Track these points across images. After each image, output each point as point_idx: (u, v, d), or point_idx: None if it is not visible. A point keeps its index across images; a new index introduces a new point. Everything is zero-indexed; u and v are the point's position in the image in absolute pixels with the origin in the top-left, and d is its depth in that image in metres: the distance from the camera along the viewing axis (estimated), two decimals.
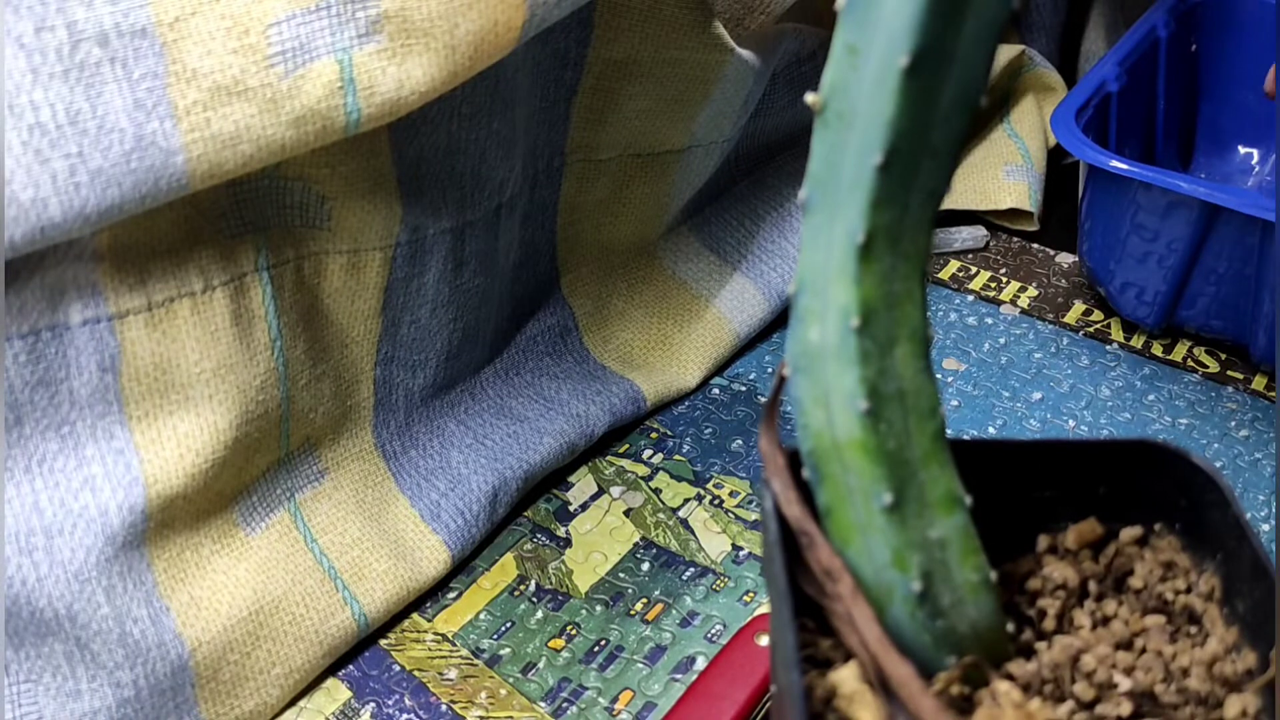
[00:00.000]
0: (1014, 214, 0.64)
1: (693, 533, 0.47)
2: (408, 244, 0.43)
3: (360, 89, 0.34)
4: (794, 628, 0.23)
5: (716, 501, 0.48)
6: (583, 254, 0.54)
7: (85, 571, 0.36)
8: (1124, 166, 0.50)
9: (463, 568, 0.46)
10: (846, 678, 0.23)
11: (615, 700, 0.40)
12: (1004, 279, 0.61)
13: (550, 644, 0.43)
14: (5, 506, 0.35)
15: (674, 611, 0.43)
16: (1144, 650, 0.25)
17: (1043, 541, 0.27)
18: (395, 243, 0.43)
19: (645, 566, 0.45)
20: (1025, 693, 0.24)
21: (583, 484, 0.50)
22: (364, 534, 0.43)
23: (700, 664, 0.41)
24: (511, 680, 0.41)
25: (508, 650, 0.43)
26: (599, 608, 0.44)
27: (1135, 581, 0.26)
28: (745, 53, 0.49)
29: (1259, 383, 0.53)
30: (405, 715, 0.40)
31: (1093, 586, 0.26)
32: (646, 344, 0.54)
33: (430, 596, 0.45)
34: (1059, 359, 0.55)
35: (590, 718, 0.40)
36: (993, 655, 0.25)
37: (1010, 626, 0.25)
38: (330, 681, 0.42)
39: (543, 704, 0.40)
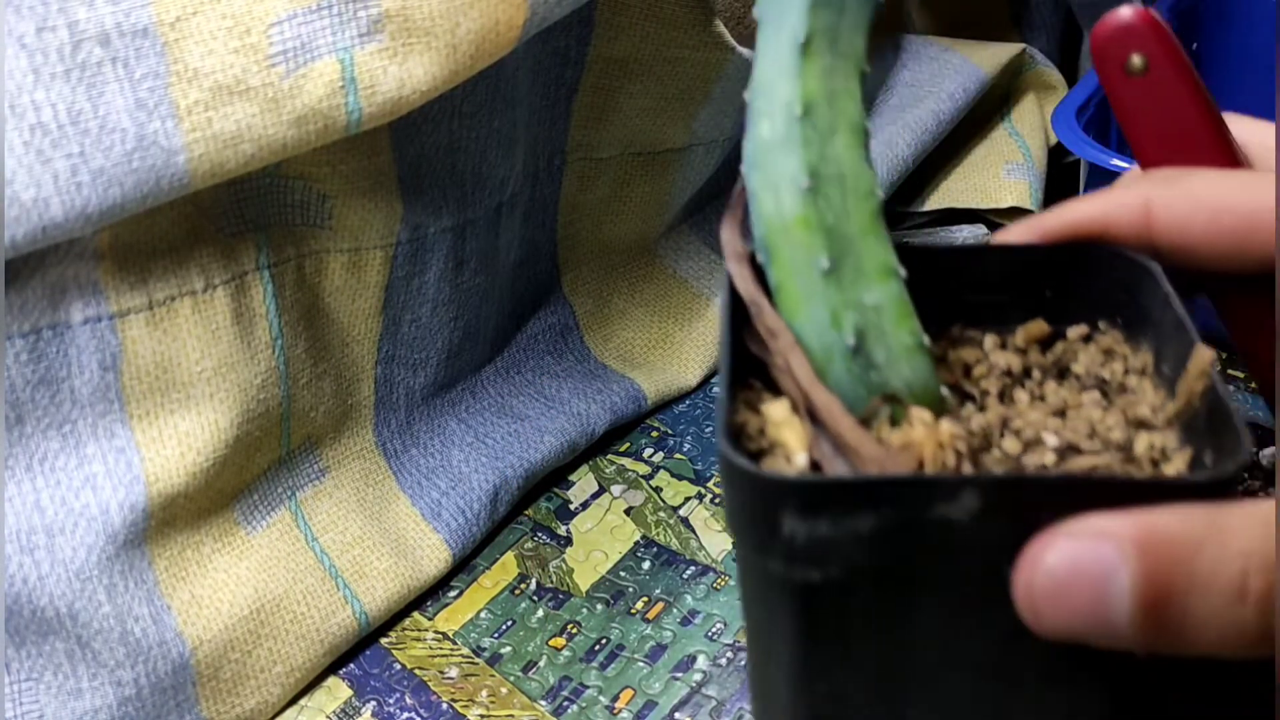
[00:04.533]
0: (1015, 212, 0.64)
1: (693, 531, 0.47)
2: (408, 242, 0.43)
3: (361, 88, 0.34)
4: (730, 369, 0.25)
5: (717, 500, 0.48)
6: (583, 252, 0.54)
7: (86, 570, 0.36)
8: (1125, 165, 0.50)
9: (463, 566, 0.46)
10: (777, 409, 0.25)
11: (616, 699, 0.40)
12: None
13: (551, 642, 0.43)
14: (6, 505, 0.35)
15: (675, 610, 0.43)
16: (1078, 417, 0.26)
17: (991, 340, 0.29)
18: (396, 241, 0.43)
19: (646, 565, 0.45)
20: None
21: (583, 482, 0.50)
22: (365, 532, 0.43)
23: (701, 662, 0.41)
24: (512, 679, 0.41)
25: (508, 649, 0.43)
26: (600, 606, 0.44)
27: (1077, 369, 0.28)
28: (746, 51, 0.49)
29: None
30: (406, 714, 0.40)
31: (1036, 374, 0.28)
32: (647, 342, 0.54)
33: (431, 595, 0.45)
34: None
35: (591, 716, 0.40)
36: None
37: (955, 401, 0.27)
38: (331, 680, 0.42)
39: (543, 702, 0.40)
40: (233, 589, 0.39)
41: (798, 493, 0.21)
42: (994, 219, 0.65)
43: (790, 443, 0.24)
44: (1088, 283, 0.28)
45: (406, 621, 0.44)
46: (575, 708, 0.40)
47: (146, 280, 0.36)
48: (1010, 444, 0.25)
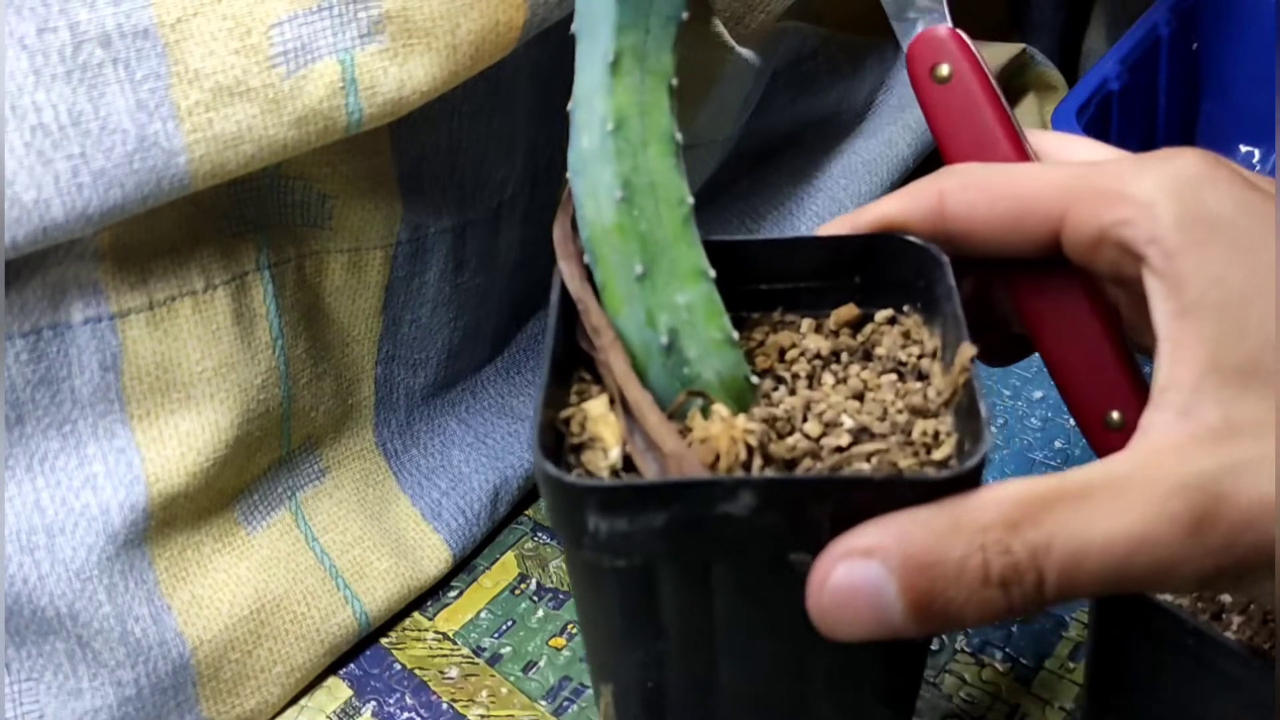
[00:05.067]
0: None
1: None
2: (408, 243, 0.43)
3: (362, 89, 0.34)
4: (551, 370, 0.27)
5: None
6: None
7: (87, 570, 0.36)
8: None
9: (464, 566, 0.46)
10: (596, 405, 0.27)
11: None
12: None
13: (551, 642, 0.43)
14: (6, 505, 0.35)
15: None
16: (874, 400, 0.29)
17: (808, 323, 0.31)
18: (396, 241, 0.43)
19: None
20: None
21: None
22: (365, 533, 0.43)
23: None
24: (512, 679, 0.41)
25: (509, 649, 0.43)
26: None
27: (880, 351, 0.30)
28: (745, 51, 0.49)
29: None
30: (406, 714, 0.40)
31: (844, 357, 0.30)
32: None
33: (431, 595, 0.45)
34: None
35: (591, 716, 0.40)
36: (739, 402, 0.28)
37: (768, 385, 0.29)
38: (331, 680, 0.42)
39: (543, 702, 0.41)
40: (233, 589, 0.39)
41: (595, 495, 0.24)
42: None
43: (606, 437, 0.26)
44: (891, 270, 0.30)
45: (406, 621, 0.44)
46: (575, 708, 0.40)
47: (147, 280, 0.36)
48: (812, 426, 0.28)
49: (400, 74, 0.34)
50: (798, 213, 0.57)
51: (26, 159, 0.31)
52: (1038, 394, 0.53)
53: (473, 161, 0.44)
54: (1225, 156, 0.69)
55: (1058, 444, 0.50)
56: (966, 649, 0.41)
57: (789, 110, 0.60)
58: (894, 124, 0.62)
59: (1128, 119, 0.59)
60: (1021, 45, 0.69)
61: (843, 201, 0.58)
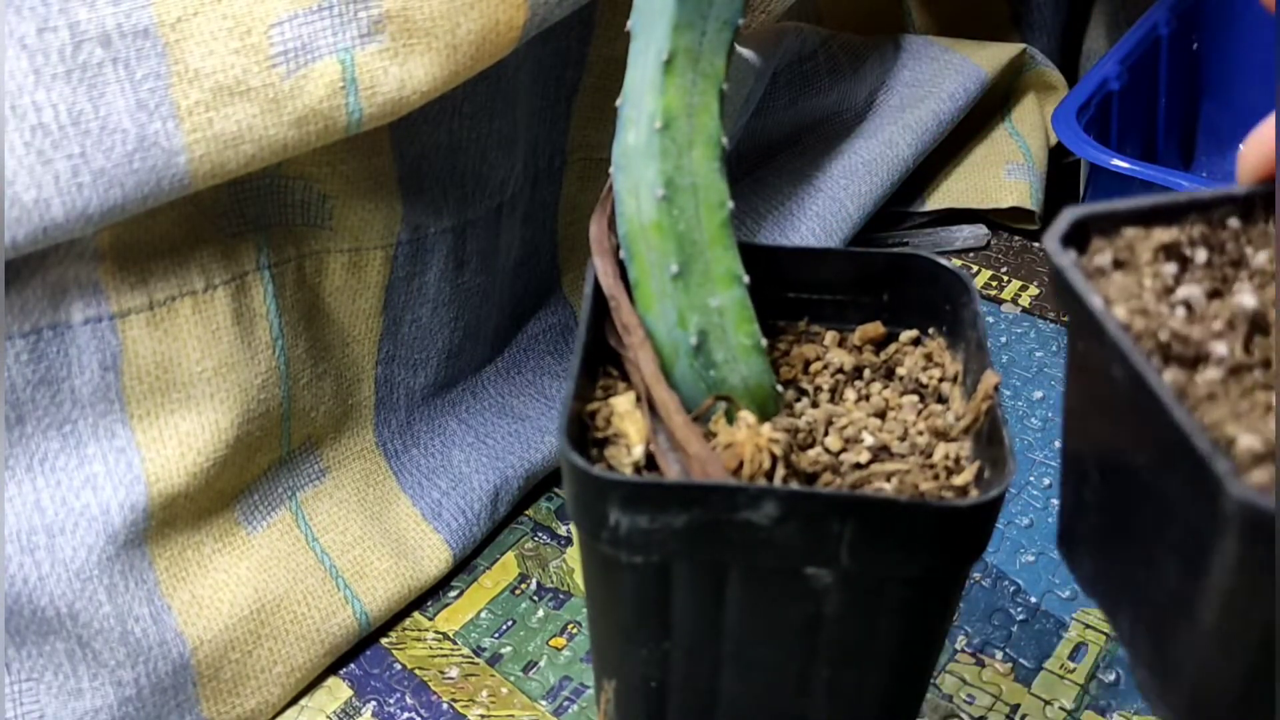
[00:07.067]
0: (1015, 213, 0.64)
1: None
2: (409, 243, 0.43)
3: (362, 89, 0.34)
4: (581, 363, 0.27)
5: None
6: (584, 253, 0.54)
7: (87, 570, 0.36)
8: (1125, 165, 0.50)
9: (464, 566, 0.46)
10: (622, 401, 0.27)
11: None
12: (1005, 277, 0.61)
13: (551, 642, 0.43)
14: (7, 505, 0.35)
15: None
16: (894, 419, 0.29)
17: (832, 336, 0.31)
18: (396, 241, 0.43)
19: None
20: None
21: None
22: (365, 533, 0.43)
23: None
24: (513, 679, 0.41)
25: (509, 649, 0.43)
26: None
27: (901, 371, 0.30)
28: (746, 52, 0.49)
29: None
30: (406, 714, 0.40)
31: (867, 373, 0.31)
32: None
33: (431, 595, 0.45)
34: (1060, 357, 0.55)
35: (591, 716, 0.40)
36: (762, 410, 0.29)
37: (790, 395, 0.30)
38: (331, 680, 0.42)
39: (544, 702, 0.41)
40: (233, 589, 0.39)
41: (620, 490, 0.24)
42: (994, 219, 0.65)
43: (630, 434, 0.27)
44: (919, 291, 0.31)
45: (407, 621, 0.44)
46: (575, 708, 0.40)
47: (147, 280, 0.36)
48: (833, 440, 0.28)
49: (400, 74, 0.34)
50: (798, 213, 0.57)
51: (27, 158, 0.31)
52: (1038, 394, 0.53)
53: (473, 161, 0.44)
54: (1225, 157, 0.70)
55: (1058, 444, 0.50)
56: (966, 649, 0.41)
57: (789, 110, 0.60)
58: (894, 124, 0.62)
59: (1128, 119, 0.59)
60: (1021, 45, 0.69)
61: (843, 201, 0.58)
